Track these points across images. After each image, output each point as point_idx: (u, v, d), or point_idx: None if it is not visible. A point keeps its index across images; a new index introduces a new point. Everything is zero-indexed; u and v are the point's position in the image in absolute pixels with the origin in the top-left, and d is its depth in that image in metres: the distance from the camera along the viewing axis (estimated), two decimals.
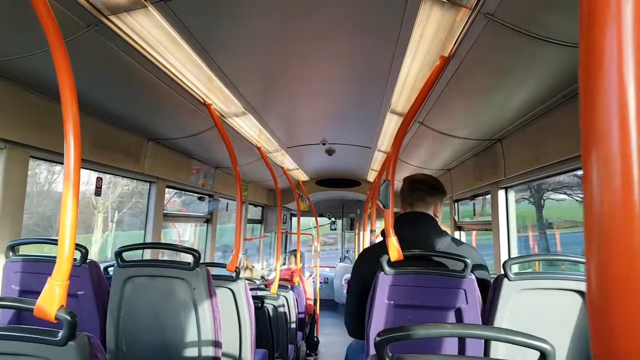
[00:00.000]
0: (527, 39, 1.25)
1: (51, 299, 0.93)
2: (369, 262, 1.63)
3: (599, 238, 0.31)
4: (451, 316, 1.44)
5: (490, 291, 1.53)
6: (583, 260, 1.53)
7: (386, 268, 1.46)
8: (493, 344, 1.42)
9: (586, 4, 0.32)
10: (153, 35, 1.55)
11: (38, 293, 0.94)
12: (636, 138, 0.30)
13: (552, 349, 0.73)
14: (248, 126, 2.93)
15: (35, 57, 1.44)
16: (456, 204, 3.81)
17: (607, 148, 0.31)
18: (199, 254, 1.69)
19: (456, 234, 3.76)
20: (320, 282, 7.07)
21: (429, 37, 1.59)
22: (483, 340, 1.43)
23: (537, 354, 0.75)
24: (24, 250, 1.81)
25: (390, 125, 2.91)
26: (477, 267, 1.58)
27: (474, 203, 3.34)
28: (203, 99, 2.24)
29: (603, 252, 0.31)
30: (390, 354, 0.77)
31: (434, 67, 1.69)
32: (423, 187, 1.73)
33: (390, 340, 0.77)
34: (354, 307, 1.68)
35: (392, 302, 1.44)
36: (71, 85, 1.01)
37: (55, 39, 1.00)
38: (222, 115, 2.62)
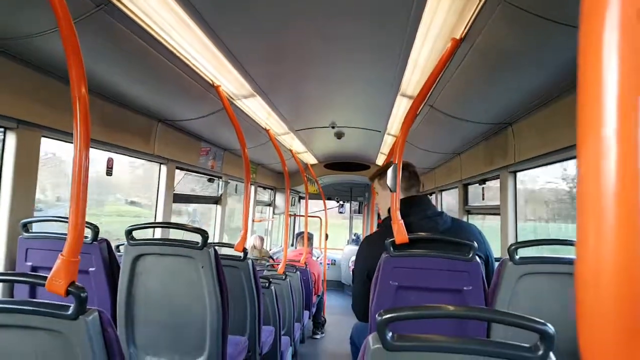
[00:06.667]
0: (540, 21, 1.22)
1: (62, 275, 0.96)
2: (374, 246, 1.65)
3: (589, 220, 0.32)
4: (454, 298, 1.45)
5: (494, 274, 1.54)
6: None
7: (391, 250, 1.47)
8: (495, 326, 1.43)
9: None
10: (162, 15, 1.54)
11: (50, 269, 0.97)
12: (633, 123, 0.30)
13: (552, 331, 0.73)
14: (257, 108, 2.92)
15: (46, 38, 1.45)
16: (466, 188, 3.79)
17: (603, 132, 0.31)
18: (207, 234, 1.72)
19: (464, 219, 3.75)
20: (328, 264, 7.15)
21: (441, 18, 1.56)
22: (485, 323, 1.44)
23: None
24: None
25: (400, 108, 2.88)
26: (479, 244, 1.59)
27: (482, 187, 3.32)
28: (212, 81, 2.24)
29: (594, 234, 0.31)
30: (391, 334, 0.78)
31: (445, 50, 1.67)
32: (406, 172, 1.81)
33: (391, 320, 0.78)
34: (361, 292, 1.70)
35: (396, 283, 1.45)
36: (80, 65, 1.01)
37: (63, 18, 1.00)
38: (231, 97, 2.61)
